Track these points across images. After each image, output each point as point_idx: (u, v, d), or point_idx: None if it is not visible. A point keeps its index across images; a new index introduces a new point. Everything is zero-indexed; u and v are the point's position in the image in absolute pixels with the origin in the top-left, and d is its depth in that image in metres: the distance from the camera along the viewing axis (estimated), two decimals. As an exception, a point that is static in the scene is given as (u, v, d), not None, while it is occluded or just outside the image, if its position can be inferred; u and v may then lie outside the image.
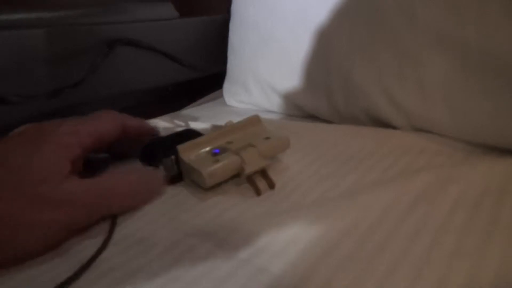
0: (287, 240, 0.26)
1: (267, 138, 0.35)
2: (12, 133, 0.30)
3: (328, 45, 0.48)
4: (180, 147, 0.33)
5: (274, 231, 0.26)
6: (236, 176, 0.33)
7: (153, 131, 0.38)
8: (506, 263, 0.23)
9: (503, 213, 0.28)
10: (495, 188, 0.31)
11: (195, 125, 0.48)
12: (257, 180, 0.32)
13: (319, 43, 0.49)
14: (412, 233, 0.26)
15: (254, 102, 0.58)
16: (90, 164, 0.32)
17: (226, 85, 0.62)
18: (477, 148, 0.39)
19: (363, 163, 0.36)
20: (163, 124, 0.48)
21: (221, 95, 0.63)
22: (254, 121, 0.38)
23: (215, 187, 0.33)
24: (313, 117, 0.52)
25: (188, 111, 0.61)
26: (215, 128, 0.45)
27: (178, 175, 0.34)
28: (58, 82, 0.49)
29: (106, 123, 0.32)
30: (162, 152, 0.34)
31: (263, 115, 0.55)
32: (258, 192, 0.32)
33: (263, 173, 0.33)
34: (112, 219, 0.29)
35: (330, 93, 0.49)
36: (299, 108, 0.53)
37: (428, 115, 0.41)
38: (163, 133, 0.39)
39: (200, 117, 0.54)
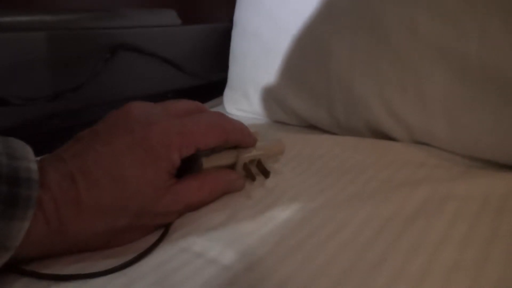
0: (285, 252, 0.25)
1: (263, 141, 0.36)
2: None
3: (329, 57, 0.48)
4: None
5: (273, 243, 0.26)
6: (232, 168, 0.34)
7: (250, 144, 0.35)
8: (505, 277, 0.23)
9: (503, 227, 0.27)
10: (495, 202, 0.31)
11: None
12: (252, 170, 0.34)
13: (321, 54, 0.49)
14: (411, 247, 0.26)
15: (255, 111, 0.58)
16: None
17: (227, 93, 0.62)
18: (476, 163, 0.39)
19: (362, 175, 0.36)
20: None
21: (221, 103, 0.63)
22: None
23: None
24: (313, 127, 0.53)
25: (188, 118, 0.61)
26: None
27: None
28: (59, 85, 0.49)
29: (213, 137, 0.31)
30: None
31: (263, 124, 0.56)
32: (253, 178, 0.34)
33: (258, 164, 0.34)
34: None
35: (330, 104, 0.49)
36: (299, 118, 0.53)
37: (428, 128, 0.42)
38: None
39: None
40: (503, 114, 0.37)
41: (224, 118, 0.32)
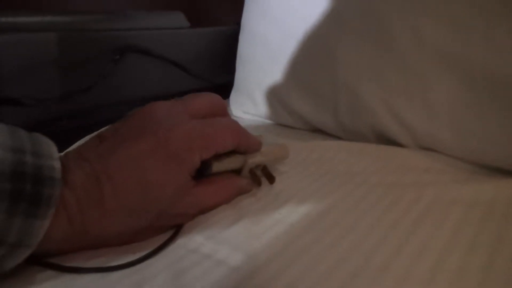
0: (292, 255, 0.26)
1: (267, 145, 0.37)
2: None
3: (335, 63, 0.49)
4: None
5: (280, 246, 0.27)
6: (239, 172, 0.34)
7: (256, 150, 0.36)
8: (511, 283, 0.23)
9: (508, 233, 0.28)
10: (500, 208, 0.31)
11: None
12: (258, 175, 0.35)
13: (327, 59, 0.49)
14: (417, 252, 0.26)
15: (260, 114, 0.58)
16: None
17: (233, 96, 0.63)
18: (481, 169, 0.39)
19: (368, 181, 0.36)
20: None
21: (228, 105, 0.63)
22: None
23: None
24: (318, 131, 0.53)
25: (194, 120, 0.61)
26: None
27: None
28: (69, 86, 0.50)
29: (229, 141, 0.31)
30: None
31: (269, 128, 0.56)
32: (259, 183, 0.34)
33: (264, 169, 0.35)
34: None
35: (336, 109, 0.49)
36: (304, 122, 0.53)
37: (434, 134, 0.42)
38: None
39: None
40: (508, 121, 0.37)
41: (238, 124, 0.33)
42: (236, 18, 0.65)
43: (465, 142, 0.40)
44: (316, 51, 0.51)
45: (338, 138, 0.50)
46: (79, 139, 0.39)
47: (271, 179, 0.35)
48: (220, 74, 0.69)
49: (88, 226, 0.25)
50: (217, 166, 0.32)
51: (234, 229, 0.29)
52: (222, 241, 0.27)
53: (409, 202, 0.32)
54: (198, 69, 0.66)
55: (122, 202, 0.26)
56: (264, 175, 0.35)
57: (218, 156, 0.32)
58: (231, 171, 0.34)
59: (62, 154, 0.27)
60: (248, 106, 0.59)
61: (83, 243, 0.26)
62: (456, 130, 0.40)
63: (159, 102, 0.31)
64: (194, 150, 0.29)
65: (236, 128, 0.32)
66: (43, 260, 0.25)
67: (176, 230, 0.29)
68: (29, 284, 0.24)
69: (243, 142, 0.33)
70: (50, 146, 0.25)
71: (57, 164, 0.24)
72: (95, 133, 0.30)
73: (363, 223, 0.29)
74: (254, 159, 0.34)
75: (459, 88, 0.40)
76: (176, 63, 0.63)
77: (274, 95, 0.55)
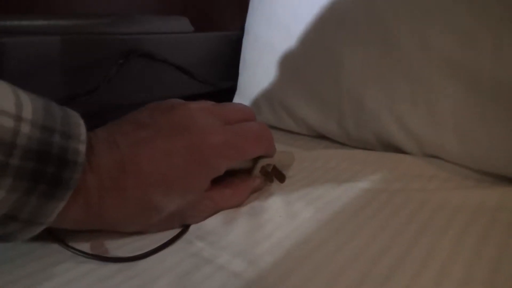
0: (294, 261, 0.25)
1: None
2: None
3: (341, 69, 0.48)
4: None
5: (282, 253, 0.26)
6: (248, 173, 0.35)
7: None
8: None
9: (513, 242, 0.27)
10: (505, 217, 0.31)
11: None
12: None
13: (332, 66, 0.49)
14: (421, 260, 0.26)
15: (264, 119, 0.58)
16: None
17: (236, 100, 0.62)
18: (487, 177, 0.39)
19: (372, 188, 0.36)
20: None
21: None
22: None
23: None
24: (322, 137, 0.53)
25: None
26: None
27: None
28: (73, 89, 0.50)
29: (258, 150, 0.33)
30: None
31: (272, 133, 0.56)
32: (271, 180, 0.34)
33: (274, 169, 0.35)
34: None
35: (341, 116, 0.49)
36: (309, 128, 0.53)
37: (439, 142, 0.41)
38: None
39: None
40: (515, 129, 0.37)
41: (267, 131, 0.34)
42: (241, 22, 0.65)
43: (470, 150, 0.40)
44: (321, 57, 0.51)
45: (343, 144, 0.50)
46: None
47: (281, 178, 0.35)
48: (224, 79, 0.69)
49: (105, 211, 0.26)
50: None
51: (235, 233, 0.28)
52: (223, 246, 0.27)
53: (414, 210, 0.32)
54: (202, 74, 0.66)
55: (144, 194, 0.26)
56: (274, 174, 0.35)
57: None
58: (245, 170, 0.34)
59: (93, 132, 0.27)
60: (252, 111, 0.59)
61: (96, 225, 0.27)
62: (461, 138, 0.40)
63: (199, 103, 0.31)
64: (224, 158, 0.29)
65: (265, 137, 0.33)
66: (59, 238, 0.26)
67: (182, 229, 0.29)
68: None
69: (269, 150, 0.34)
70: (79, 126, 0.25)
71: (83, 148, 0.24)
72: (132, 114, 0.30)
73: (367, 230, 0.29)
74: (265, 158, 0.34)
75: (465, 96, 0.40)
76: (180, 67, 0.63)
77: (278, 101, 0.55)
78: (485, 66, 0.38)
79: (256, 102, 0.58)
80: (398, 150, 0.45)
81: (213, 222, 0.30)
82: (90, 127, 0.35)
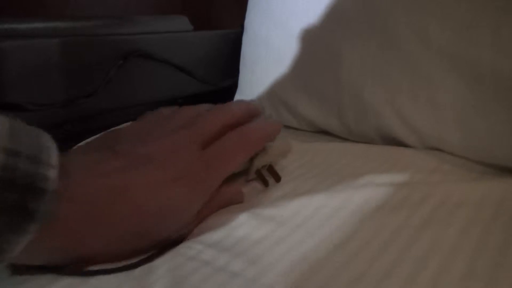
0: (294, 260, 0.25)
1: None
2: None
3: (340, 64, 0.48)
4: None
5: (280, 248, 0.26)
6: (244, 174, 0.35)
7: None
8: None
9: (517, 235, 0.27)
10: (508, 210, 0.30)
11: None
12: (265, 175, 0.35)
13: (331, 61, 0.49)
14: (423, 255, 0.25)
15: (265, 116, 0.58)
16: None
17: (237, 98, 0.62)
18: (489, 169, 0.38)
19: (373, 183, 0.35)
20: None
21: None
22: None
23: None
24: (323, 133, 0.52)
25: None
26: None
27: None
28: (73, 91, 0.50)
29: (244, 159, 0.32)
30: None
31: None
32: (266, 184, 0.34)
33: (270, 169, 0.35)
34: None
35: (341, 111, 0.49)
36: (309, 124, 0.53)
37: (440, 135, 0.41)
38: None
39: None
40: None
41: (251, 134, 0.32)
42: (240, 20, 0.65)
43: (472, 142, 0.39)
44: (320, 52, 0.50)
45: (344, 139, 0.50)
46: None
47: (277, 178, 0.35)
48: (224, 77, 0.69)
49: (89, 242, 0.23)
50: None
51: (234, 234, 0.28)
52: (222, 248, 0.27)
53: (416, 204, 0.31)
54: (202, 73, 0.66)
55: (136, 226, 0.24)
56: (270, 174, 0.35)
57: None
58: (238, 173, 0.34)
59: (70, 154, 0.26)
60: (253, 108, 0.59)
61: (76, 255, 0.24)
62: (463, 130, 0.40)
63: (187, 112, 0.31)
64: (223, 176, 0.30)
65: (254, 141, 0.32)
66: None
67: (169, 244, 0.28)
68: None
69: (257, 149, 0.33)
70: (50, 149, 0.22)
71: (53, 174, 0.21)
72: (109, 136, 0.29)
73: (367, 226, 0.29)
74: (260, 160, 0.34)
75: (466, 88, 0.39)
76: (180, 67, 0.63)
77: (278, 98, 0.55)
78: (485, 58, 0.38)
79: (257, 100, 0.58)
80: (399, 143, 0.45)
81: (210, 224, 0.30)
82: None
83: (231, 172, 0.31)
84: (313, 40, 0.51)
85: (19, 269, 0.24)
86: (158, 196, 0.25)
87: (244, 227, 0.29)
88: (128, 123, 0.31)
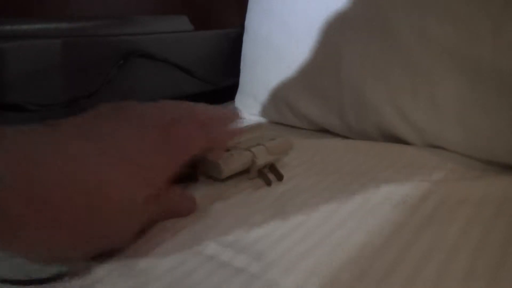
0: (294, 260, 0.25)
1: (272, 139, 0.37)
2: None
3: (340, 63, 0.48)
4: None
5: (284, 248, 0.26)
6: (246, 172, 0.35)
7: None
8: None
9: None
10: (509, 209, 0.30)
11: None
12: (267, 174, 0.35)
13: (331, 59, 0.49)
14: (425, 253, 0.25)
15: (266, 115, 0.58)
16: None
17: (239, 98, 0.62)
18: (491, 166, 0.38)
19: (375, 180, 0.35)
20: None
21: (233, 107, 0.63)
22: (260, 126, 0.41)
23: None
24: (324, 131, 0.52)
25: (200, 122, 0.61)
26: None
27: (193, 174, 0.35)
28: (74, 91, 0.50)
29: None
30: None
31: (275, 129, 0.56)
32: (268, 183, 0.34)
33: (272, 167, 0.35)
34: None
35: (341, 109, 0.49)
36: (310, 122, 0.53)
37: (441, 132, 0.41)
38: None
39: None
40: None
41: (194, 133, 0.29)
42: (241, 20, 0.65)
43: (474, 140, 0.39)
44: (321, 51, 0.50)
45: (345, 137, 0.50)
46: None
47: (279, 176, 0.35)
48: (225, 77, 0.69)
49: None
50: (227, 172, 0.33)
51: (238, 230, 0.28)
52: (227, 243, 0.27)
53: (417, 201, 0.31)
54: (203, 72, 0.66)
55: (68, 231, 0.22)
56: (272, 173, 0.36)
57: (226, 160, 0.33)
58: (240, 173, 0.35)
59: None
60: (254, 108, 0.59)
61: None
62: (464, 128, 0.40)
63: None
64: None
65: (194, 140, 0.29)
66: None
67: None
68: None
69: (213, 144, 0.31)
70: None
71: None
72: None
73: (370, 223, 0.29)
74: (262, 160, 0.35)
75: (466, 85, 0.39)
76: (180, 66, 0.63)
77: (279, 96, 0.55)
78: (485, 55, 0.38)
79: (258, 99, 0.58)
80: (400, 141, 0.45)
81: (215, 220, 0.30)
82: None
83: (186, 159, 0.28)
84: (313, 38, 0.51)
85: None
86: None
87: (248, 222, 0.29)
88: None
